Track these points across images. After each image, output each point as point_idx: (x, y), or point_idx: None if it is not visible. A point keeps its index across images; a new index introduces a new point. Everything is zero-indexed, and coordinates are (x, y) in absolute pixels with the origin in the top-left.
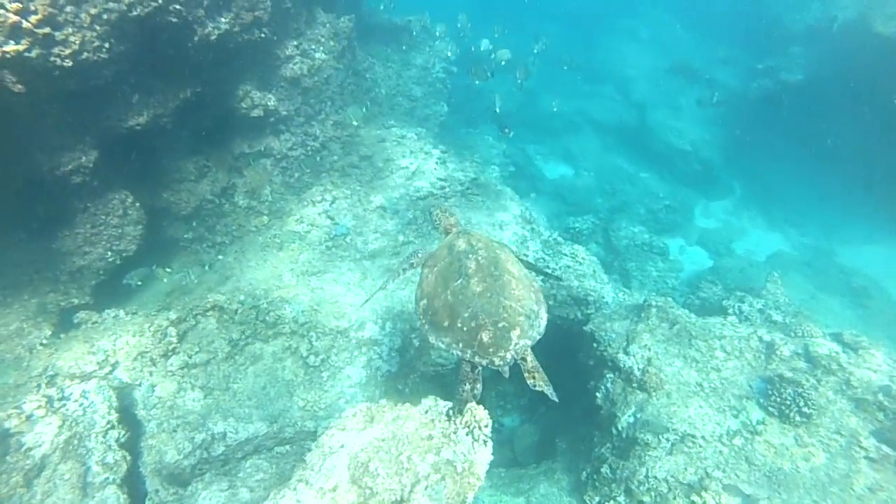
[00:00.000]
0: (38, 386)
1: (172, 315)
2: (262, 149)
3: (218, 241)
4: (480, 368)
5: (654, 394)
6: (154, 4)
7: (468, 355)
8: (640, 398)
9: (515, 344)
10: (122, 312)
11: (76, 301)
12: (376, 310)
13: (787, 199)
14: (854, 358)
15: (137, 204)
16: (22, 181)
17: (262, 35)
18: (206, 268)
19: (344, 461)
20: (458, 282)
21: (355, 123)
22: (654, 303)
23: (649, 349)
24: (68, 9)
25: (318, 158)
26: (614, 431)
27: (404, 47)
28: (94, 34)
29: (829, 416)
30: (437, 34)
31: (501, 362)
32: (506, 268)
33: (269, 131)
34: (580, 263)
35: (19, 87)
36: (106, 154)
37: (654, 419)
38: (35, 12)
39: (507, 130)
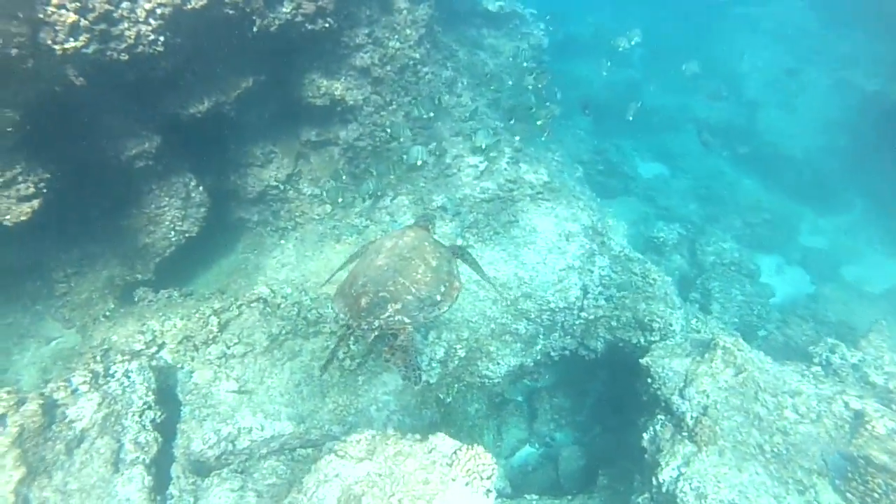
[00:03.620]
0: (94, 357)
1: (216, 304)
2: (330, 137)
3: (281, 227)
4: (350, 331)
5: (704, 448)
6: None
7: (347, 318)
8: (688, 450)
9: (389, 316)
10: (175, 293)
11: (140, 276)
12: None
13: None
14: None
15: (201, 188)
16: (91, 164)
17: (327, 24)
18: (267, 252)
19: (335, 493)
20: (370, 257)
21: (425, 116)
22: (721, 343)
23: (707, 396)
24: (124, 5)
25: (386, 150)
26: (654, 482)
27: (493, 34)
28: (149, 28)
29: None
30: (530, 21)
31: (367, 327)
32: (422, 255)
33: (337, 120)
34: (650, 285)
35: (81, 80)
36: (169, 139)
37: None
38: (93, 10)
39: (587, 111)
